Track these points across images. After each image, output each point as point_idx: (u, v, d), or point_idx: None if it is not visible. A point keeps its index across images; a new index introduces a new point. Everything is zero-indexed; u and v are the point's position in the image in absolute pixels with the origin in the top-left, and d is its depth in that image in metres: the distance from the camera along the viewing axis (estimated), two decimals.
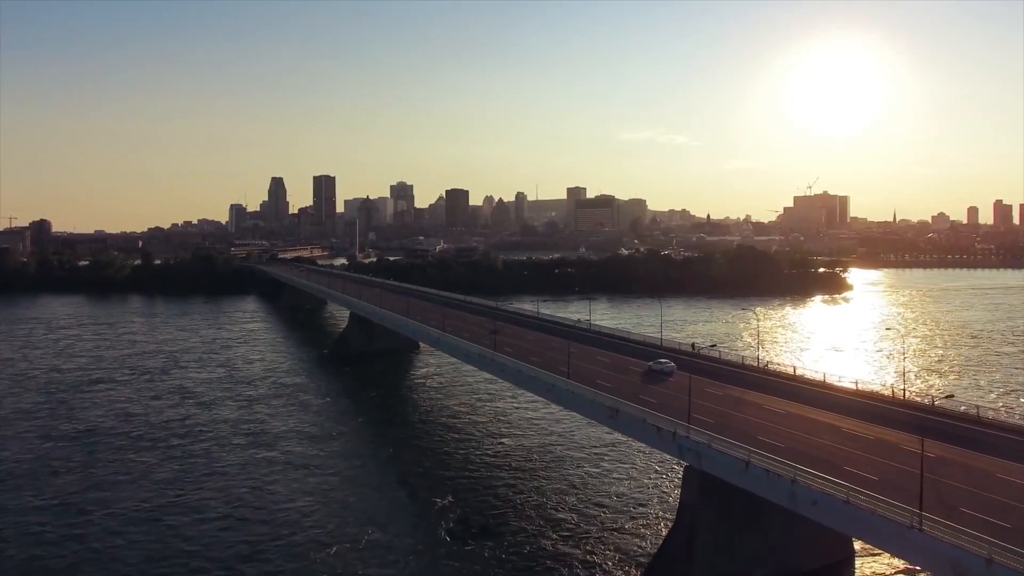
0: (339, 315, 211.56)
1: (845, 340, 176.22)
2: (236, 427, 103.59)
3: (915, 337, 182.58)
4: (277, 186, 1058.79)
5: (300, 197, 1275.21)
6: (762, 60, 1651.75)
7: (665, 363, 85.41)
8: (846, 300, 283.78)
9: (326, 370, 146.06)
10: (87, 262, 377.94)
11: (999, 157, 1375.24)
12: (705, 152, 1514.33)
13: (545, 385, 74.91)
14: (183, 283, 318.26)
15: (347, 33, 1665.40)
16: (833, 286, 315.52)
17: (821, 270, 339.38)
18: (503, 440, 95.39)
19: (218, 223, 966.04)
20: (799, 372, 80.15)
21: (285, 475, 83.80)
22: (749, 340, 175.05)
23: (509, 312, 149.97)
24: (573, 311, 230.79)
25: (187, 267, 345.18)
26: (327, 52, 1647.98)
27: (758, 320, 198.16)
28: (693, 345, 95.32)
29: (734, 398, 69.98)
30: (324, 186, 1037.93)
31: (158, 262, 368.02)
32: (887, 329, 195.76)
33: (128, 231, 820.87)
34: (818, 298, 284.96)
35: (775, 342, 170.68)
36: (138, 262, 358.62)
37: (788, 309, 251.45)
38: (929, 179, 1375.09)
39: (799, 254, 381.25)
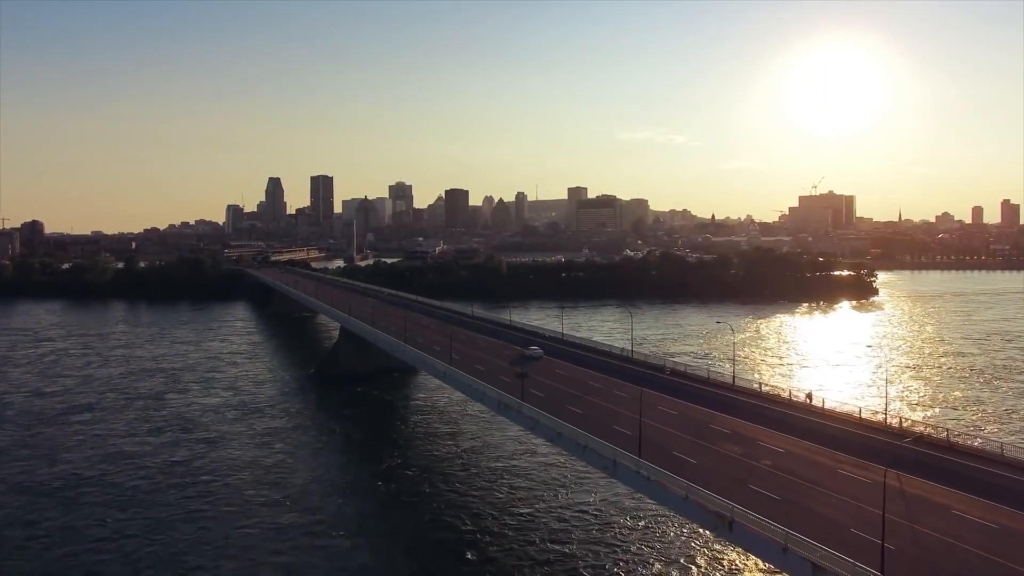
0: (333, 325, 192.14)
1: (934, 362, 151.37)
2: (250, 475, 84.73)
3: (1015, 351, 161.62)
4: (275, 186, 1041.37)
5: (298, 197, 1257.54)
6: (762, 60, 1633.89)
7: (535, 349, 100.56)
8: (878, 307, 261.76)
9: (327, 398, 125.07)
10: (68, 265, 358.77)
11: (999, 157, 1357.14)
12: (704, 152, 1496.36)
13: (604, 460, 54.22)
14: (169, 288, 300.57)
15: (345, 32, 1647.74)
16: (858, 291, 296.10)
17: (844, 272, 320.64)
18: (579, 495, 75.25)
19: (215, 224, 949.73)
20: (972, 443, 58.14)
21: (321, 548, 64.94)
22: (809, 359, 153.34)
23: (528, 332, 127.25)
24: (597, 323, 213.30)
25: (173, 271, 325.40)
26: (325, 51, 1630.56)
27: (805, 334, 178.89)
28: (809, 396, 72.00)
29: (896, 490, 46.07)
30: (322, 186, 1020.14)
31: (144, 264, 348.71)
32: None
33: (126, 232, 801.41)
34: (845, 304, 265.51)
35: (846, 362, 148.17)
36: (120, 265, 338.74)
37: (824, 318, 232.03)
38: (929, 179, 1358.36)
39: (820, 256, 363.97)
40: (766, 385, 78.28)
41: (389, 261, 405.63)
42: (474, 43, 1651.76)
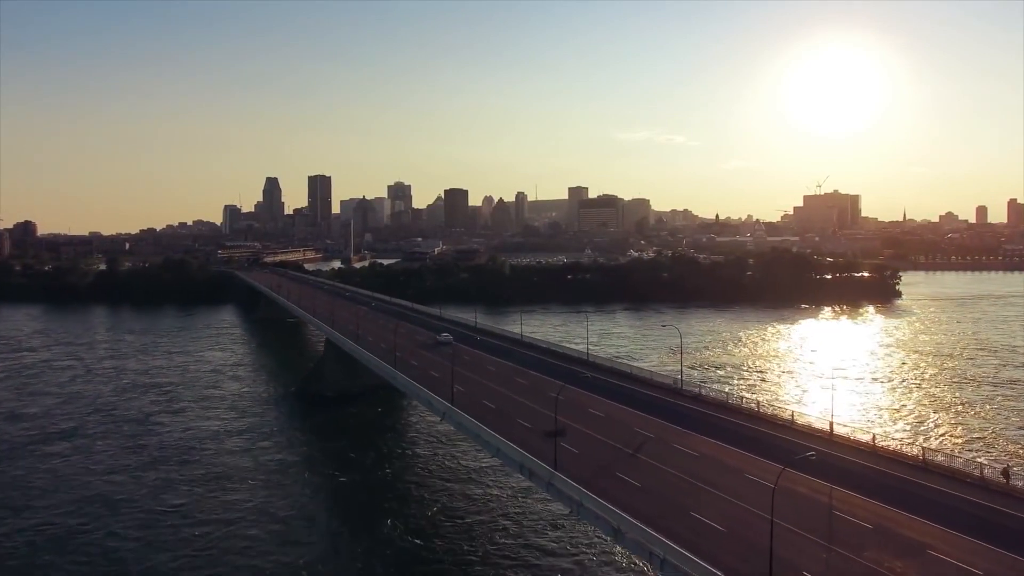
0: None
1: None
2: (252, 525, 70.05)
3: None
4: (272, 186, 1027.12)
5: (295, 198, 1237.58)
6: (761, 60, 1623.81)
7: (446, 336, 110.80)
8: (909, 312, 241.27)
9: (324, 421, 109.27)
10: (49, 267, 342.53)
11: (1000, 157, 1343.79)
12: (704, 152, 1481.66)
13: None
14: (154, 291, 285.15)
15: (344, 32, 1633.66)
16: (880, 293, 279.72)
17: (865, 274, 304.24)
18: None
19: (212, 224, 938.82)
20: None
21: None
22: (884, 380, 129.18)
23: (547, 352, 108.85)
24: (626, 330, 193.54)
25: (157, 273, 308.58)
26: (323, 51, 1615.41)
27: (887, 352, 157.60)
28: (1006, 474, 49.62)
29: None
30: (319, 186, 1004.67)
31: (128, 266, 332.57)
32: None
33: (123, 232, 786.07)
34: (870, 308, 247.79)
35: (933, 382, 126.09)
36: (103, 267, 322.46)
37: (861, 325, 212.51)
38: (929, 179, 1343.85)
39: (830, 256, 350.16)
40: (884, 437, 56.65)
41: (386, 262, 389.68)
42: (474, 43, 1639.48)
